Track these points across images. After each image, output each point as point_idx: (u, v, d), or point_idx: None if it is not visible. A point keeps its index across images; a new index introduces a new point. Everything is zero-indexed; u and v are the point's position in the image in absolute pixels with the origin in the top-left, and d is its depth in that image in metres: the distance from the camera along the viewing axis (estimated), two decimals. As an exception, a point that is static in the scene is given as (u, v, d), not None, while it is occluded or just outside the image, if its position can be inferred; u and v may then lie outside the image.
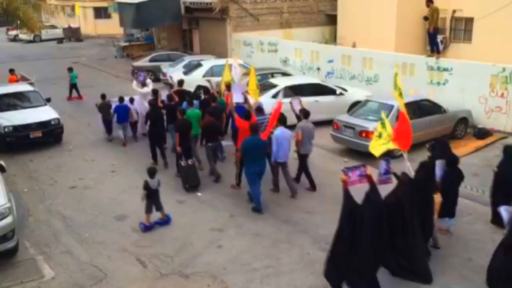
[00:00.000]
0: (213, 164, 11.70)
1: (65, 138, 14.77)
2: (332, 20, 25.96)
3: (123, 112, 14.11)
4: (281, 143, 10.22)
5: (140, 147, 14.08)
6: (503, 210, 7.29)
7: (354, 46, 21.09)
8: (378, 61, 17.24)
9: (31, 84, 17.09)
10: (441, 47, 19.29)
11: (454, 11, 20.86)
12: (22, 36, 39.56)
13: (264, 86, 15.91)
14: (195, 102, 13.15)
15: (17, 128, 13.79)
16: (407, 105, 12.90)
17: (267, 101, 14.30)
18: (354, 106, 14.24)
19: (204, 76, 18.96)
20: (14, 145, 13.85)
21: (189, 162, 11.22)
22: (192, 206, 10.33)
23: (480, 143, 13.42)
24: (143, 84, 15.07)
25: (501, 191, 8.68)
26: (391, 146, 8.70)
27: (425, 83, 15.53)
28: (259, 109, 11.61)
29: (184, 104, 12.61)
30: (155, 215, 9.48)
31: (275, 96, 14.78)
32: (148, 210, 9.36)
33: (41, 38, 39.83)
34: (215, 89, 14.85)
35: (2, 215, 8.09)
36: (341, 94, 15.74)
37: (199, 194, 10.86)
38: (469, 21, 20.40)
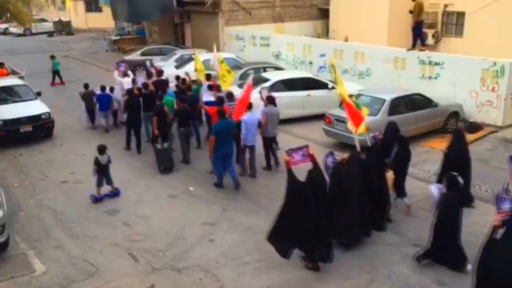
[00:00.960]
0: (184, 148, 12.28)
1: (55, 133, 14.66)
2: (324, 14, 25.94)
3: (106, 101, 14.62)
4: (250, 128, 10.90)
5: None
6: (434, 188, 7.73)
7: (346, 40, 21.09)
8: (370, 55, 17.26)
9: (21, 78, 16.92)
10: (427, 40, 19.52)
11: (445, 6, 20.92)
12: (12, 29, 39.17)
13: (257, 80, 15.89)
14: (170, 91, 13.87)
15: (7, 122, 13.68)
16: (400, 98, 13.08)
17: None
18: (346, 100, 14.23)
19: (195, 70, 18.86)
20: (4, 139, 13.72)
21: (165, 145, 11.82)
22: (184, 201, 10.32)
23: (471, 137, 13.44)
24: (124, 74, 15.65)
25: (448, 171, 8.63)
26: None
27: (417, 77, 15.57)
28: (230, 95, 12.25)
29: (171, 92, 13.59)
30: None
31: (268, 90, 14.77)
32: (99, 184, 10.29)
33: (31, 32, 39.45)
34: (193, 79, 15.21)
35: (-8, 209, 8.05)
36: (333, 88, 15.69)
37: (191, 188, 10.84)
38: (461, 15, 20.47)
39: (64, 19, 44.47)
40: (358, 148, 9.40)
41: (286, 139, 12.99)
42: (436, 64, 15.15)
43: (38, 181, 11.57)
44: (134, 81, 14.52)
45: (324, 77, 17.21)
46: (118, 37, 32.20)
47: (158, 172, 11.73)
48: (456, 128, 9.58)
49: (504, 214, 6.66)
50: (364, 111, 9.88)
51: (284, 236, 7.64)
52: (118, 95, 14.82)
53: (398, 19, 17.44)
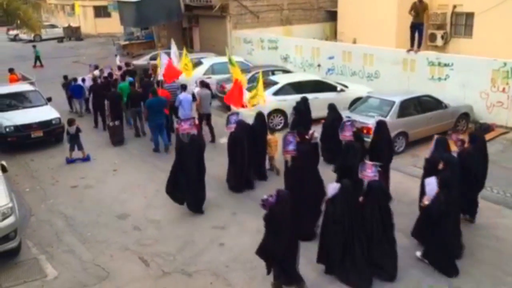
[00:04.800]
0: (136, 124, 15.00)
1: (66, 138, 14.74)
2: (332, 16, 25.89)
3: (78, 90, 17.26)
4: (183, 105, 13.54)
5: (141, 146, 14.10)
6: (428, 184, 7.68)
7: (354, 42, 21.04)
8: (379, 57, 17.20)
9: (32, 83, 17.08)
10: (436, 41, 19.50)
11: (454, 6, 20.77)
12: (22, 35, 39.48)
13: (265, 84, 15.89)
14: (130, 78, 16.41)
15: (18, 128, 13.78)
16: (410, 100, 13.01)
17: (269, 99, 14.38)
18: (355, 103, 14.22)
19: (205, 73, 18.95)
20: (15, 145, 13.85)
21: (116, 123, 14.34)
22: (194, 204, 10.31)
23: (482, 138, 13.37)
24: (96, 68, 19.10)
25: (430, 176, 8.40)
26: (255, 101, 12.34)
27: (426, 78, 15.49)
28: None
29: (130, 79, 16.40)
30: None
31: (276, 93, 14.79)
32: (71, 148, 12.96)
33: (41, 38, 39.73)
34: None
35: (4, 215, 8.10)
36: (342, 90, 15.71)
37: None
38: (470, 16, 20.32)
39: (73, 24, 44.78)
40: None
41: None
42: (446, 65, 15.06)
43: (49, 186, 11.65)
44: (101, 71, 17.92)
45: (332, 79, 17.18)
46: (127, 42, 32.37)
47: (111, 145, 14.12)
48: (437, 137, 9.09)
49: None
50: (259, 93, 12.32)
51: (178, 186, 9.70)
52: (88, 84, 17.25)
53: (407, 21, 17.36)
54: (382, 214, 7.43)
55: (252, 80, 17.16)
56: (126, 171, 12.34)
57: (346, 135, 9.80)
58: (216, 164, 11.25)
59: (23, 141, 13.89)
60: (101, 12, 45.49)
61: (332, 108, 12.13)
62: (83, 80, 17.61)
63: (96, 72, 18.28)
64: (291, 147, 9.20)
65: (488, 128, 13.67)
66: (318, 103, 14.29)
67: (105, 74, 17.43)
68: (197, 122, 10.08)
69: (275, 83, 15.54)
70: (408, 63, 16.06)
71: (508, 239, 8.57)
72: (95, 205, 10.50)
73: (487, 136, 13.27)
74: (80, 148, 13.01)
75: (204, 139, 10.53)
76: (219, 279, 7.70)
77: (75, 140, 12.91)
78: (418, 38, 15.96)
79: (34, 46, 28.79)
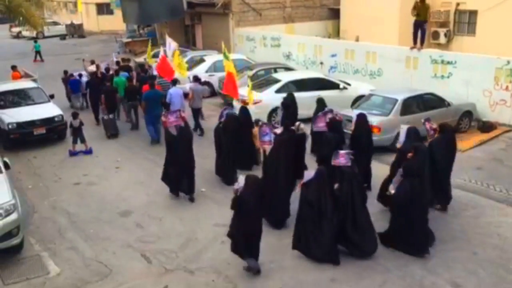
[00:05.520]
0: (131, 116, 15.51)
1: (68, 135, 14.76)
2: (335, 14, 25.85)
3: (75, 84, 17.60)
4: (174, 100, 13.83)
5: (143, 143, 14.11)
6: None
7: (357, 40, 21.00)
8: (381, 55, 17.17)
9: (35, 80, 17.08)
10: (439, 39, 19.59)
11: (457, 4, 20.71)
12: (25, 33, 39.47)
13: (267, 81, 15.90)
14: (124, 73, 16.81)
15: (21, 125, 13.79)
16: (412, 98, 13.00)
17: (271, 96, 14.36)
18: (358, 101, 14.20)
19: (207, 71, 18.94)
20: (18, 142, 13.87)
21: (110, 116, 14.84)
22: (196, 202, 10.32)
23: (485, 136, 13.36)
24: (92, 63, 19.49)
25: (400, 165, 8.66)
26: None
27: (429, 76, 15.45)
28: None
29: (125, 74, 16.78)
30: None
31: (278, 91, 14.77)
32: (74, 141, 13.33)
33: (44, 35, 39.76)
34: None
35: (7, 212, 8.12)
36: (344, 88, 15.68)
37: (202, 189, 10.85)
38: (473, 13, 20.26)
39: (76, 22, 44.76)
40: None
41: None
42: (449, 63, 15.02)
43: (52, 183, 11.67)
44: (97, 66, 18.05)
45: (335, 77, 17.16)
46: (129, 39, 32.36)
47: (107, 139, 14.54)
48: (409, 126, 9.39)
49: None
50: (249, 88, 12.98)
51: (170, 175, 10.30)
52: (85, 80, 17.64)
53: (409, 18, 17.32)
54: (355, 197, 7.86)
55: (256, 77, 17.23)
56: (128, 168, 12.35)
57: (319, 125, 10.28)
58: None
59: (25, 138, 13.91)
60: (103, 9, 45.47)
61: (319, 101, 12.32)
62: (80, 75, 18.04)
63: (92, 67, 18.68)
64: (267, 138, 9.78)
65: (491, 126, 13.70)
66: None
67: (102, 70, 17.73)
68: (183, 114, 10.49)
69: (278, 80, 15.52)
70: (411, 61, 16.03)
71: (511, 237, 8.55)
72: (98, 202, 10.52)
73: (490, 135, 13.34)
74: (83, 141, 13.37)
75: (191, 131, 11.07)
76: (221, 276, 7.71)
77: (78, 133, 13.29)
78: (421, 36, 15.92)
79: (35, 41, 30.52)
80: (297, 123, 10.30)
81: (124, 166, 12.51)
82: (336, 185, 8.00)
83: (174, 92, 14.09)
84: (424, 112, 12.78)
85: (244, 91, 14.83)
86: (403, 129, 9.27)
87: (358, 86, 16.14)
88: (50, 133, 14.26)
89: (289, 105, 12.45)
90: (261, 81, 16.24)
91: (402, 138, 9.16)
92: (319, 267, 7.79)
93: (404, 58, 16.22)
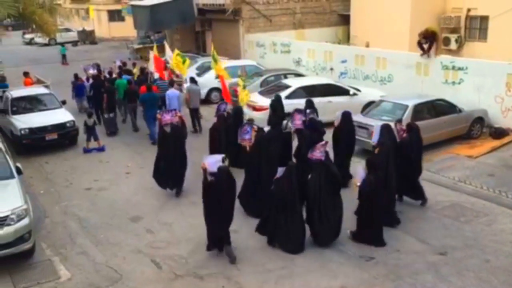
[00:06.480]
0: (133, 118, 16.08)
1: (80, 140, 14.88)
2: (345, 20, 25.84)
3: (80, 88, 18.24)
4: (170, 101, 14.43)
5: (154, 149, 14.13)
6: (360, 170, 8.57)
7: (367, 46, 20.97)
8: (392, 61, 17.11)
9: (47, 87, 17.27)
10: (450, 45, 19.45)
11: (468, 10, 20.62)
12: (37, 39, 39.97)
13: (278, 87, 15.91)
14: (127, 76, 17.51)
15: (33, 131, 13.91)
16: (423, 104, 12.95)
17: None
18: (368, 107, 14.16)
19: (216, 77, 18.99)
20: (30, 147, 13.99)
21: (110, 115, 15.76)
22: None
23: (496, 143, 13.23)
24: (97, 66, 20.20)
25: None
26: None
27: (440, 82, 15.36)
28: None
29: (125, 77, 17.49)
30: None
31: (288, 97, 14.77)
32: (88, 139, 14.07)
33: (56, 41, 40.22)
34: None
35: (19, 216, 8.18)
36: (354, 94, 15.65)
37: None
38: (484, 19, 20.14)
39: (87, 28, 45.22)
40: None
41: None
42: (460, 69, 14.93)
43: (63, 188, 11.75)
44: (99, 69, 19.21)
45: (345, 83, 17.13)
46: (140, 46, 32.58)
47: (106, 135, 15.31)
48: (383, 123, 10.11)
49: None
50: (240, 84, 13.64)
51: (160, 170, 10.79)
52: (89, 83, 18.16)
53: (420, 24, 17.24)
54: (322, 189, 8.34)
55: (266, 84, 17.25)
56: (138, 174, 12.40)
57: (296, 123, 10.77)
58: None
59: (38, 143, 14.03)
60: (115, 16, 45.91)
61: (308, 102, 12.42)
62: (87, 79, 18.52)
63: (93, 71, 19.26)
64: (247, 136, 10.52)
65: (503, 132, 13.57)
66: (331, 107, 14.26)
67: (105, 74, 18.76)
68: (179, 113, 11.18)
69: (288, 86, 15.53)
70: (422, 67, 15.96)
71: (523, 245, 8.45)
72: (108, 207, 10.57)
73: (502, 141, 13.21)
74: (96, 138, 14.16)
75: (186, 130, 11.89)
76: (231, 282, 7.69)
77: (91, 131, 14.03)
78: (428, 47, 15.63)
79: (62, 45, 33.30)
80: (284, 121, 11.15)
81: (135, 171, 12.57)
82: (309, 177, 8.56)
83: (171, 93, 14.78)
84: (435, 118, 12.74)
85: (255, 96, 14.99)
86: (377, 126, 9.92)
87: (368, 92, 16.09)
88: (61, 138, 14.38)
89: (276, 106, 12.86)
90: (271, 87, 16.25)
91: (376, 135, 9.71)
92: (329, 274, 7.75)
93: (415, 64, 16.16)
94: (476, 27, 20.68)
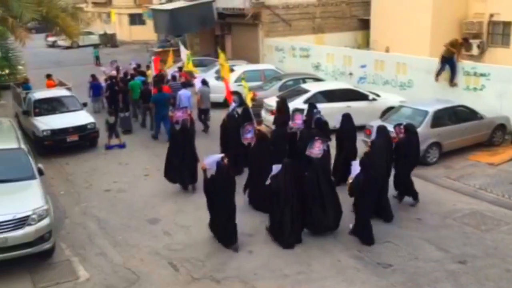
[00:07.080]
0: (145, 117, 16.88)
1: (100, 142, 15.08)
2: (365, 25, 25.71)
3: (97, 88, 18.75)
4: (182, 100, 15.18)
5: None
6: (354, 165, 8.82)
7: (387, 51, 20.82)
8: (412, 66, 16.94)
9: (69, 89, 17.53)
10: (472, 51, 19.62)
11: (491, 15, 20.35)
12: (60, 42, 40.64)
13: (296, 92, 15.89)
14: (140, 77, 18.16)
15: (55, 132, 14.14)
16: (444, 110, 12.80)
17: (300, 107, 14.29)
18: (387, 112, 14.04)
19: (235, 81, 19.07)
20: (51, 148, 14.20)
21: (126, 114, 16.41)
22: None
23: (519, 151, 13.02)
24: (117, 67, 20.62)
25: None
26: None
27: (462, 88, 15.16)
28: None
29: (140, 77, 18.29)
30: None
31: (307, 101, 14.73)
32: (109, 136, 14.69)
33: (78, 44, 40.81)
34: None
35: (40, 216, 8.32)
36: (374, 99, 15.54)
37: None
38: (507, 25, 19.86)
39: (109, 31, 45.81)
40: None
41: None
42: (482, 75, 14.71)
43: (83, 189, 11.91)
44: (117, 69, 19.85)
45: (364, 88, 17.02)
46: (160, 49, 32.89)
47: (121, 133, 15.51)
48: (379, 125, 10.53)
49: None
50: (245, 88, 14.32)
51: (171, 168, 11.18)
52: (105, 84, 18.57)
53: (441, 29, 17.08)
54: (321, 184, 8.74)
55: (284, 88, 17.24)
56: (157, 176, 12.47)
57: (297, 123, 11.29)
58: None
59: (59, 145, 14.24)
60: (136, 19, 46.49)
61: (311, 105, 12.51)
62: (105, 80, 19.04)
63: (113, 72, 19.93)
64: (249, 135, 10.88)
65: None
66: (350, 112, 14.13)
67: (121, 74, 19.38)
68: (189, 112, 12.11)
69: (306, 91, 15.50)
70: (443, 72, 15.76)
71: (545, 255, 8.28)
72: (127, 209, 10.68)
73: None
74: (117, 136, 14.81)
75: (195, 127, 12.82)
76: (248, 286, 7.70)
77: (113, 129, 14.66)
78: (451, 72, 15.37)
79: (95, 47, 34.69)
80: (290, 122, 11.56)
81: (153, 174, 12.66)
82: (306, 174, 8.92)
83: (183, 93, 15.59)
84: (455, 124, 12.57)
85: (271, 100, 15.02)
86: (374, 127, 10.45)
87: (388, 98, 15.97)
88: (82, 140, 14.57)
89: (281, 108, 13.24)
90: (290, 92, 16.25)
91: (373, 135, 10.13)
92: (346, 280, 7.70)
93: (435, 70, 15.97)
94: (499, 32, 20.39)
